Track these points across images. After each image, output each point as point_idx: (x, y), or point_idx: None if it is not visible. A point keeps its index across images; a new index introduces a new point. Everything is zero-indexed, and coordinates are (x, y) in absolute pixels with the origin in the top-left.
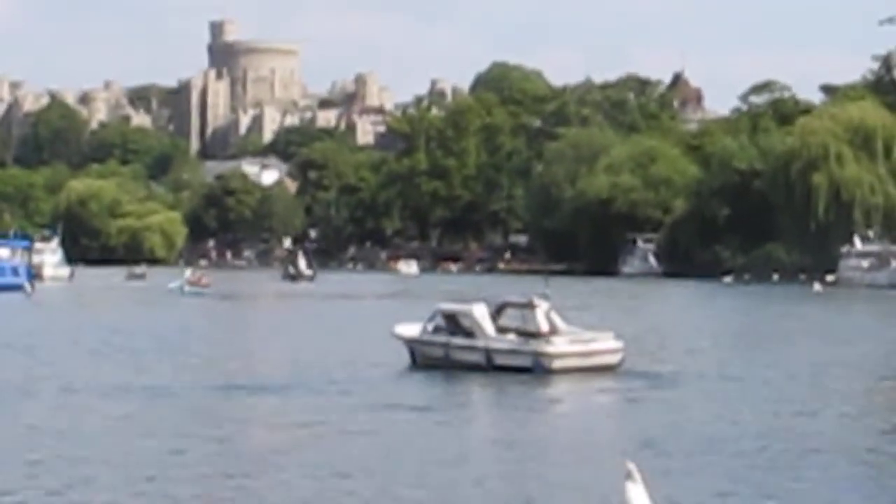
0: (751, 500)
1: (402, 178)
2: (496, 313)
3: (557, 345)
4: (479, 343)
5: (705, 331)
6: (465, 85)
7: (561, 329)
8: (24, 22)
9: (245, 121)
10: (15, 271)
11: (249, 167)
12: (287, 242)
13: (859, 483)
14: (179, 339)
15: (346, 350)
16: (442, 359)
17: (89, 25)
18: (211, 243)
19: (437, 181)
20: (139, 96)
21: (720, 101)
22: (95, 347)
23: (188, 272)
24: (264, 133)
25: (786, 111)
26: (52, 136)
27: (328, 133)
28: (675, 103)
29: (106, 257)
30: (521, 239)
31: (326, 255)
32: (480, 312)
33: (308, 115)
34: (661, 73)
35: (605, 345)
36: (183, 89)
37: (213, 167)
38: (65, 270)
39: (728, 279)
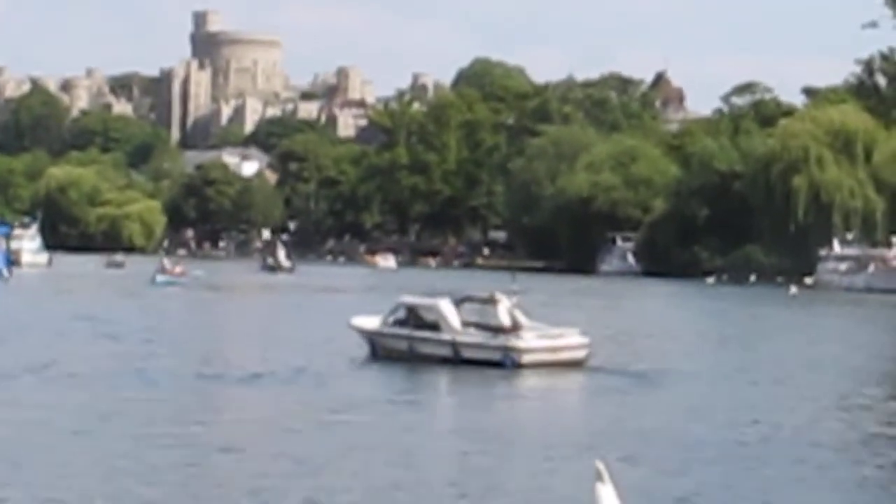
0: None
1: (382, 171)
2: (455, 307)
3: (527, 339)
4: (446, 336)
5: (676, 330)
6: (447, 80)
7: (524, 324)
8: (6, 8)
9: (226, 111)
10: None
11: (230, 158)
12: (266, 234)
13: (825, 480)
14: (149, 328)
15: (320, 340)
16: (405, 352)
17: (72, 12)
18: (190, 233)
19: (417, 176)
20: (121, 84)
21: (702, 102)
22: (64, 333)
23: (165, 261)
24: (245, 124)
25: (767, 113)
26: (33, 123)
27: (309, 125)
28: (657, 103)
29: (85, 245)
30: (501, 235)
31: (305, 247)
32: (446, 306)
33: (290, 106)
34: (643, 73)
35: (572, 340)
36: (165, 78)
37: (194, 157)
38: (43, 257)
39: (711, 280)
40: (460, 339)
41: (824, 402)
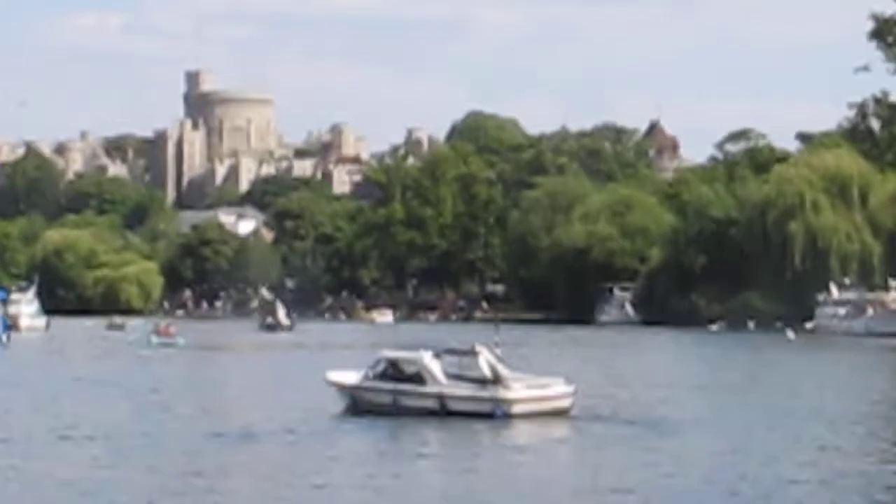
0: None
1: (378, 227)
2: (437, 360)
3: (516, 390)
4: (432, 389)
5: (675, 379)
6: (441, 134)
7: (504, 375)
8: None
9: (221, 170)
10: None
11: (226, 217)
12: (264, 292)
13: None
14: (144, 391)
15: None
16: (389, 405)
17: (64, 76)
18: (188, 293)
19: (413, 230)
20: (115, 146)
21: (696, 150)
22: (57, 398)
23: (161, 323)
24: (240, 183)
25: (762, 159)
26: (28, 187)
27: (304, 183)
28: (651, 152)
29: (82, 308)
30: (498, 288)
31: (303, 304)
32: (429, 359)
33: (284, 164)
34: (636, 122)
35: (558, 390)
36: (159, 139)
37: (190, 217)
38: (41, 321)
39: (715, 327)
40: (447, 391)
41: (813, 449)
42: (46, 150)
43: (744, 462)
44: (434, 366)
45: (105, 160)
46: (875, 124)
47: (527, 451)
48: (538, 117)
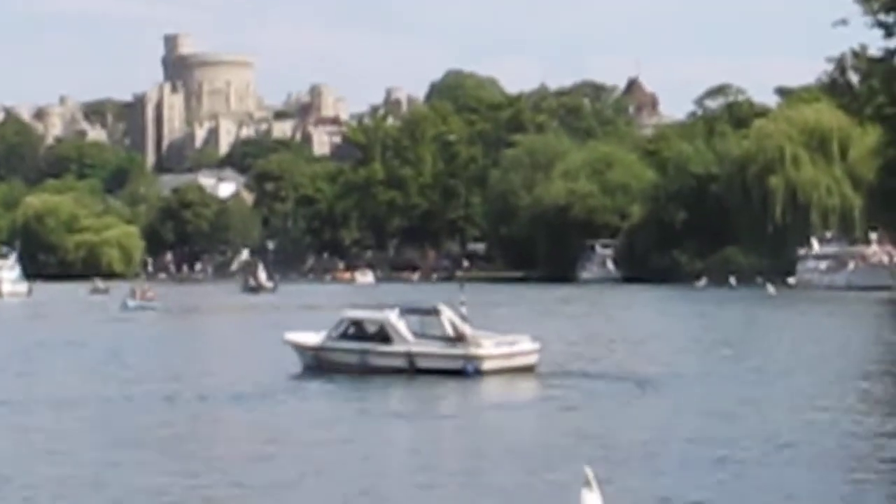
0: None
1: (358, 188)
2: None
3: (487, 347)
4: (399, 348)
5: (656, 334)
6: (420, 94)
7: (467, 333)
8: None
9: (201, 134)
10: None
11: (206, 180)
12: (245, 254)
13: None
14: (111, 355)
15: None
16: (354, 365)
17: (43, 41)
18: (169, 256)
19: (393, 191)
20: (94, 111)
21: (675, 106)
22: (30, 361)
23: (135, 286)
24: (220, 146)
25: (741, 115)
26: (8, 153)
27: (284, 144)
28: (631, 109)
29: (64, 273)
30: (479, 247)
31: (284, 266)
32: (395, 318)
33: (264, 126)
34: (615, 79)
35: (526, 346)
36: (138, 103)
37: (170, 180)
38: (23, 287)
39: (701, 283)
40: (415, 349)
41: (788, 402)
42: (25, 115)
43: (725, 419)
44: (400, 324)
45: (84, 125)
46: (854, 78)
47: (506, 408)
48: (517, 76)
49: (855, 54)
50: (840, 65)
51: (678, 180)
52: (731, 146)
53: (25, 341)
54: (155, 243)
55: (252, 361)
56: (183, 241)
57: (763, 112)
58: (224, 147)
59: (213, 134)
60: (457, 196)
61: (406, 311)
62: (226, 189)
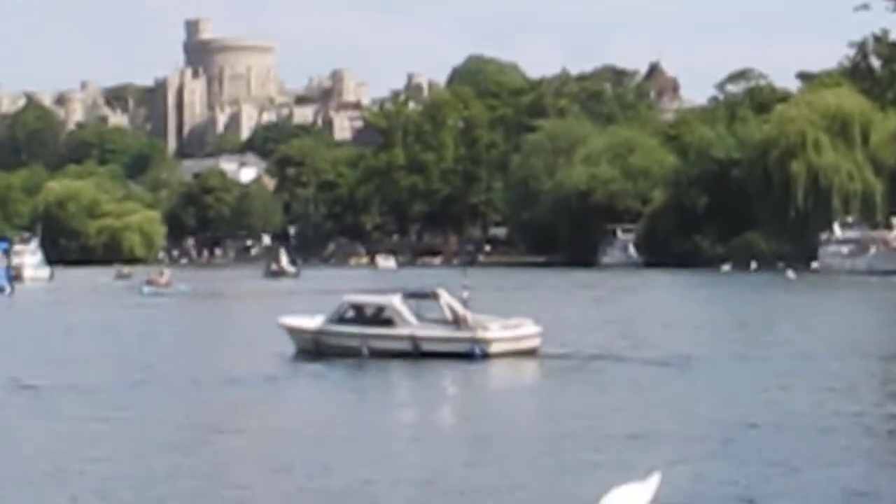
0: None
1: (380, 173)
2: None
3: (493, 330)
4: (403, 331)
5: (678, 319)
6: (441, 79)
7: (465, 317)
8: None
9: (222, 119)
10: None
11: (227, 165)
12: (266, 240)
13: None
14: (121, 340)
15: None
16: (355, 348)
17: (64, 26)
18: (190, 242)
19: (415, 175)
20: (116, 96)
21: (697, 91)
22: (53, 346)
23: (153, 273)
24: (241, 131)
25: (763, 99)
26: (29, 138)
27: (305, 129)
28: (652, 93)
29: (85, 258)
30: (501, 232)
31: (306, 251)
32: (398, 302)
33: (285, 111)
34: (637, 64)
35: (529, 330)
36: (159, 88)
37: (191, 166)
38: (45, 272)
39: (726, 267)
40: (420, 332)
41: (809, 384)
42: (47, 100)
43: (739, 401)
44: (403, 308)
45: (106, 110)
46: (875, 62)
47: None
48: (538, 61)
49: (876, 39)
50: (861, 50)
51: (699, 165)
52: (753, 131)
53: (47, 326)
54: (176, 228)
55: (274, 345)
56: (204, 226)
57: (784, 97)
58: (245, 132)
59: (235, 119)
60: (478, 181)
61: (406, 295)
62: (247, 174)
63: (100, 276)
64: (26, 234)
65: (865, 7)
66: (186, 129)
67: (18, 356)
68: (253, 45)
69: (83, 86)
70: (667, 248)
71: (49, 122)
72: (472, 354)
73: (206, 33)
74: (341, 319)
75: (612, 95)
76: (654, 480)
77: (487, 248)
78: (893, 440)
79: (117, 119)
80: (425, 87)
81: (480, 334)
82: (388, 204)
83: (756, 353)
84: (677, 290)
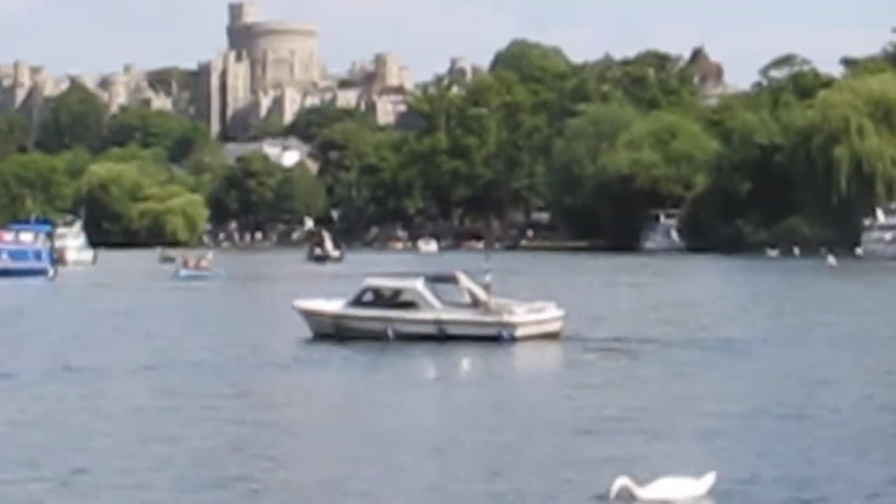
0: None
1: (422, 157)
2: None
3: (520, 314)
4: (428, 315)
5: (691, 302)
6: (484, 63)
7: (484, 300)
8: (44, 6)
9: (265, 102)
10: (38, 256)
11: (270, 149)
12: (309, 223)
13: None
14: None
15: None
16: (379, 332)
17: (109, 9)
18: (233, 225)
19: (457, 160)
20: (159, 79)
21: (740, 76)
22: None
23: (188, 256)
24: (285, 114)
25: (806, 85)
26: (73, 121)
27: (348, 113)
28: (695, 79)
29: (128, 241)
30: (543, 216)
31: (348, 235)
32: (422, 286)
33: (328, 95)
34: (680, 49)
35: (553, 314)
36: (203, 72)
37: (234, 149)
38: (87, 254)
39: (774, 253)
40: (446, 316)
41: (839, 372)
42: (90, 83)
43: (787, 387)
44: (426, 292)
45: (149, 93)
46: None
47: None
48: (582, 46)
49: None
50: None
51: (742, 151)
52: (796, 117)
53: (89, 309)
54: (219, 212)
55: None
56: (247, 209)
57: (828, 82)
58: (288, 116)
59: (278, 103)
60: (521, 165)
61: (426, 280)
62: (290, 158)
63: (143, 259)
64: (69, 217)
65: None
66: (229, 112)
67: (61, 338)
68: (296, 29)
69: (127, 69)
70: (709, 234)
71: (92, 105)
72: (500, 338)
73: (250, 17)
74: (363, 303)
75: (655, 80)
76: (708, 479)
77: (530, 232)
78: None
79: (160, 102)
80: (469, 71)
81: (507, 318)
82: (430, 188)
83: (782, 339)
84: (717, 275)
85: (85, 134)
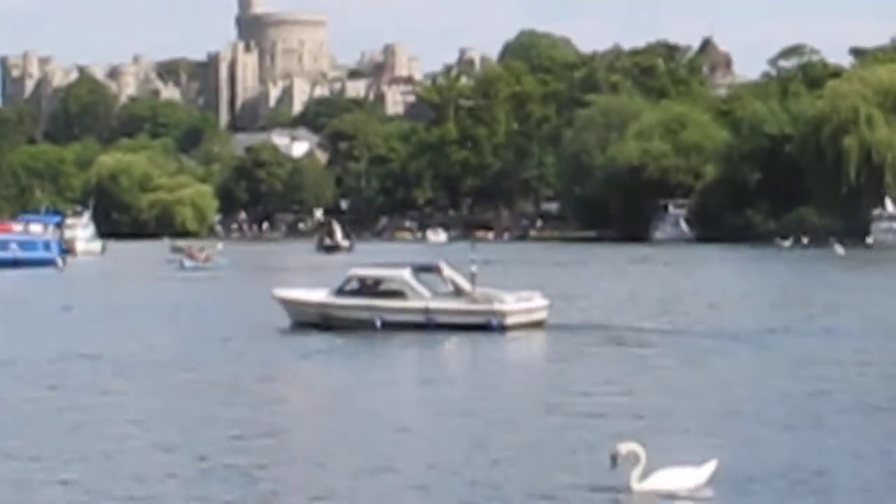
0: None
1: (432, 147)
2: None
3: (509, 303)
4: (416, 304)
5: (695, 292)
6: (493, 53)
7: (467, 290)
8: None
9: (274, 93)
10: (47, 246)
11: (279, 139)
12: (318, 214)
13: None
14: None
15: None
16: (365, 321)
17: (117, 0)
18: (242, 216)
19: (467, 150)
20: (168, 70)
21: (749, 66)
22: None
23: (192, 247)
24: (294, 105)
25: (815, 75)
26: (82, 112)
27: (357, 104)
28: (705, 69)
29: (138, 231)
30: (553, 206)
31: (357, 225)
32: (409, 276)
33: (337, 86)
34: (689, 39)
35: (539, 303)
36: (212, 62)
37: (243, 140)
38: (97, 245)
39: (787, 243)
40: (435, 305)
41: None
42: (99, 74)
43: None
44: (414, 281)
45: (158, 84)
46: None
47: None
48: (591, 36)
49: None
50: None
51: (752, 140)
52: (805, 106)
53: (97, 299)
54: (228, 202)
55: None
56: (256, 200)
57: (837, 72)
58: (297, 106)
59: (287, 93)
60: (530, 156)
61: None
62: (299, 148)
63: (152, 250)
64: (79, 208)
65: None
66: (238, 103)
67: (72, 327)
68: (305, 20)
69: (136, 59)
70: (719, 223)
71: (101, 95)
72: (490, 327)
73: (259, 7)
74: (348, 292)
75: (664, 70)
76: (709, 467)
77: (539, 222)
78: None
79: (169, 93)
80: (477, 61)
81: (498, 307)
82: (439, 178)
83: (782, 330)
84: (724, 265)
85: (94, 125)
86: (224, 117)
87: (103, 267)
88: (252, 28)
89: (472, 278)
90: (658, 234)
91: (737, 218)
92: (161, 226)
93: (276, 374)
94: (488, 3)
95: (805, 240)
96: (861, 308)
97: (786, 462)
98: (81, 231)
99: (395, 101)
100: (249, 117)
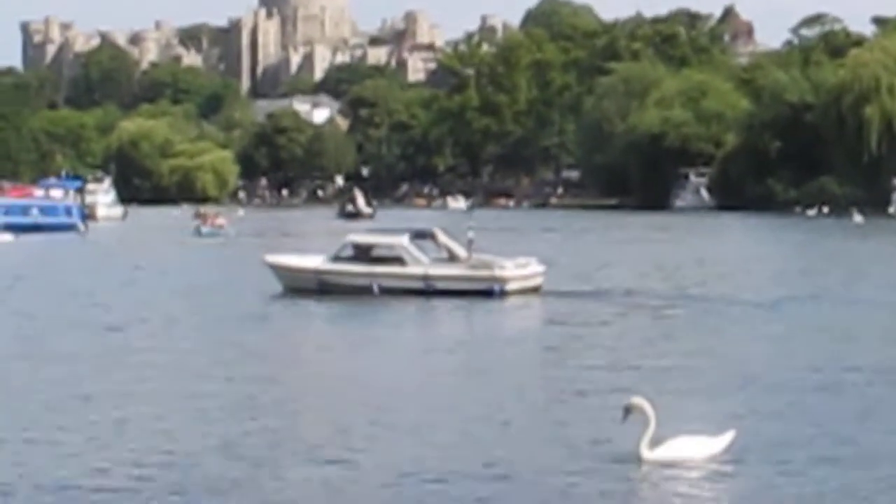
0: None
1: (453, 114)
2: None
3: (509, 269)
4: (415, 270)
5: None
6: (515, 21)
7: (463, 257)
8: None
9: (296, 59)
10: (68, 211)
11: (300, 105)
12: (339, 181)
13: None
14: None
15: None
16: (364, 287)
17: None
18: (263, 182)
19: (488, 117)
20: (190, 36)
21: (771, 35)
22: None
23: (208, 212)
24: (315, 71)
25: (837, 44)
26: (103, 77)
27: (379, 70)
28: (726, 37)
29: (158, 197)
30: (573, 174)
31: (378, 192)
32: (407, 241)
33: (358, 52)
34: (711, 7)
35: (536, 269)
36: (233, 28)
37: (265, 106)
38: (118, 210)
39: (812, 212)
40: (434, 271)
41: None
42: (121, 40)
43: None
44: (412, 247)
45: (180, 49)
46: None
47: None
48: (613, 4)
49: None
50: None
51: (773, 109)
52: (827, 75)
53: (120, 266)
54: (249, 169)
55: None
56: (277, 166)
57: (859, 41)
58: (319, 73)
59: (308, 60)
60: (551, 123)
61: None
62: (320, 115)
63: (173, 216)
64: (100, 174)
65: None
66: (260, 69)
67: (95, 295)
68: None
69: (157, 25)
70: (739, 192)
71: (123, 61)
72: (491, 292)
73: None
74: (345, 258)
75: (685, 39)
76: (726, 437)
77: (560, 190)
78: None
79: (191, 59)
80: (499, 29)
81: (499, 273)
82: (460, 146)
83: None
84: (746, 233)
85: (115, 90)
86: (245, 83)
87: (128, 233)
88: None
89: (469, 245)
90: (679, 203)
91: (757, 187)
92: (182, 192)
93: (273, 341)
94: None
95: (826, 209)
96: (882, 276)
97: (807, 432)
98: (102, 196)
99: (417, 68)
100: (270, 83)
